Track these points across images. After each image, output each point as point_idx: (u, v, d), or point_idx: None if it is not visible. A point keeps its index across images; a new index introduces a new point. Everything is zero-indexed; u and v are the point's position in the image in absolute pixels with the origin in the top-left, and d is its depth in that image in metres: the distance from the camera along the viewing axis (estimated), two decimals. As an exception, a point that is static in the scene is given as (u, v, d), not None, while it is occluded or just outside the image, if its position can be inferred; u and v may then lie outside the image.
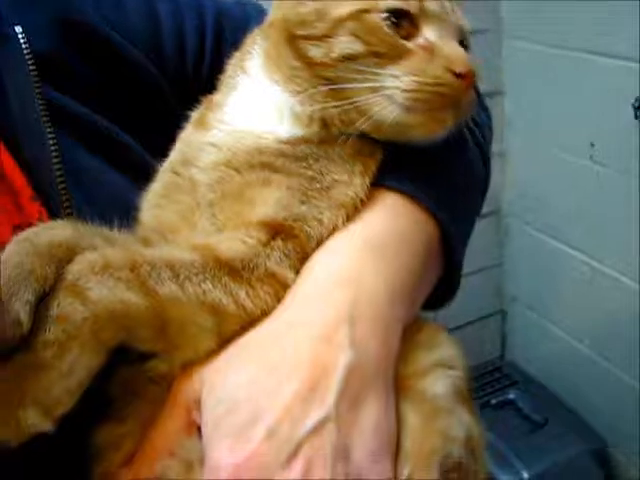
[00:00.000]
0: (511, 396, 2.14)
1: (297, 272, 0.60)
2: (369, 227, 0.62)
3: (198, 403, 0.55)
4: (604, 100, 1.76)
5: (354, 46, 0.61)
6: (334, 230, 0.61)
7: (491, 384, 2.18)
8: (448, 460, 0.57)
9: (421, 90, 0.59)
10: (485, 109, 0.83)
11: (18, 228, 0.62)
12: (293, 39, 0.64)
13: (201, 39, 0.81)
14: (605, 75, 1.73)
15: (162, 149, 0.71)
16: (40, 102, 0.69)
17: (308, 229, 0.60)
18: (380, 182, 0.65)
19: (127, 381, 0.59)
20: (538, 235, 2.11)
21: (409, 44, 0.61)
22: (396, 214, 0.64)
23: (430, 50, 0.61)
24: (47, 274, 0.54)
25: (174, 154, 0.70)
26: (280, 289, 0.58)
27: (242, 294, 0.57)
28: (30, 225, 0.61)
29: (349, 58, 0.61)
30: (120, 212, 0.66)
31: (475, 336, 2.34)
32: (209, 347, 0.57)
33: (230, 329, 0.57)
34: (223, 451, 0.52)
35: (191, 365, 0.57)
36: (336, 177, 0.62)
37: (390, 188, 0.65)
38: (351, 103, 0.61)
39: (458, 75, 0.59)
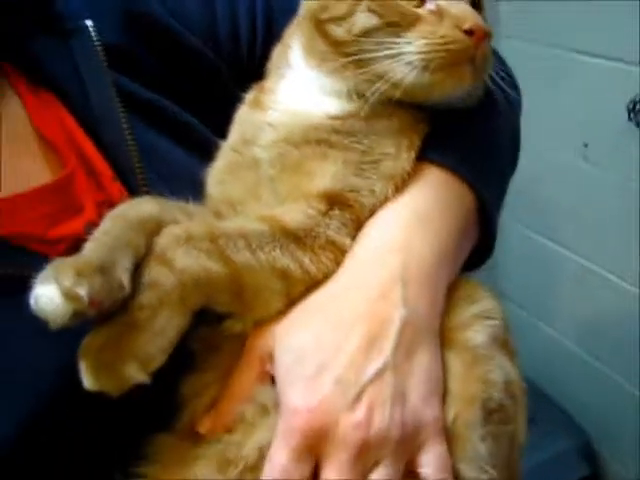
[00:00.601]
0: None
1: (353, 239, 0.66)
2: (415, 198, 0.69)
3: (270, 356, 0.63)
4: (598, 101, 1.75)
5: (371, 20, 0.66)
6: (385, 201, 0.68)
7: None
8: (489, 402, 0.64)
9: (433, 50, 0.64)
10: (515, 87, 0.88)
11: (102, 204, 0.71)
12: (320, 24, 0.70)
13: (252, 21, 0.86)
14: (600, 76, 1.73)
15: (223, 127, 0.77)
16: (114, 89, 0.75)
17: (362, 199, 0.67)
18: (424, 155, 0.70)
19: (207, 338, 0.66)
20: (530, 234, 2.13)
21: (420, 11, 0.66)
22: (439, 186, 0.70)
23: (439, 13, 0.66)
24: (140, 244, 0.61)
25: (234, 134, 0.76)
26: (339, 255, 0.65)
27: (306, 260, 0.64)
28: (112, 203, 0.68)
29: (368, 32, 0.67)
30: (189, 187, 0.73)
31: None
32: (279, 308, 0.64)
33: (297, 291, 0.64)
34: (296, 396, 0.59)
35: (263, 323, 0.65)
36: (385, 151, 0.68)
37: (433, 162, 0.71)
38: (375, 72, 0.66)
39: (467, 32, 0.64)
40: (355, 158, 0.67)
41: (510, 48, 2.02)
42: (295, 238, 0.64)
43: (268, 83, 0.76)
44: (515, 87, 0.88)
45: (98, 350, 0.57)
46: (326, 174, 0.67)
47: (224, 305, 0.63)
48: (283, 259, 0.63)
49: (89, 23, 0.76)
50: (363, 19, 0.67)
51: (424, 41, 0.64)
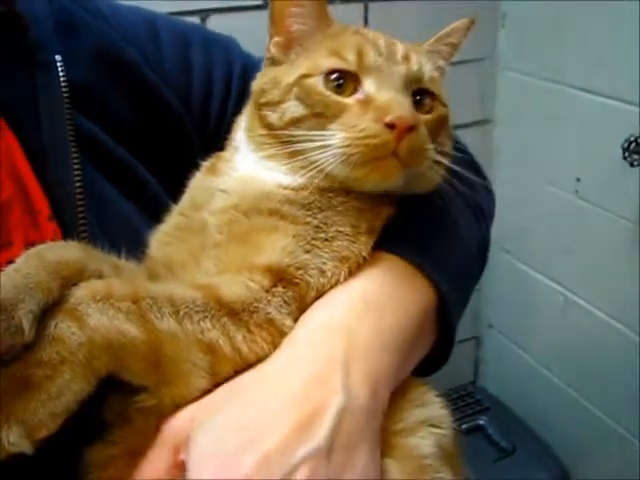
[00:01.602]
0: (481, 422, 2.15)
1: (294, 320, 0.61)
2: (369, 285, 0.64)
3: (186, 443, 0.55)
4: (593, 137, 1.77)
5: (299, 109, 0.66)
6: (336, 283, 0.63)
7: (462, 409, 2.19)
8: None
9: (354, 144, 0.62)
10: (478, 171, 0.85)
11: (33, 244, 0.63)
12: (259, 108, 0.70)
13: (227, 90, 0.85)
14: (596, 113, 1.74)
15: (178, 191, 0.73)
16: (69, 127, 0.71)
17: (309, 278, 0.62)
18: (385, 244, 0.67)
19: (118, 408, 0.60)
20: (517, 264, 2.14)
21: (347, 100, 0.65)
22: (396, 276, 0.66)
23: (366, 103, 0.64)
24: (52, 288, 0.55)
25: (185, 199, 0.73)
26: (277, 336, 0.60)
27: (239, 337, 0.58)
28: (44, 242, 0.62)
29: (298, 121, 0.66)
30: (130, 241, 0.68)
31: (448, 360, 2.34)
32: (201, 386, 0.57)
33: (224, 371, 0.58)
34: (209, 473, 0.52)
35: (182, 405, 0.58)
36: (340, 229, 0.64)
37: (392, 251, 0.67)
38: (306, 161, 0.64)
39: (389, 125, 0.61)
40: (307, 233, 0.63)
41: (507, 80, 2.05)
42: (230, 311, 0.58)
43: (226, 153, 0.74)
44: (478, 171, 0.85)
45: None
46: (275, 247, 0.62)
47: (137, 375, 0.56)
48: (212, 331, 0.57)
49: (58, 58, 0.74)
50: (293, 108, 0.67)
51: (344, 134, 0.63)
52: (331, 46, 0.68)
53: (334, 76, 0.66)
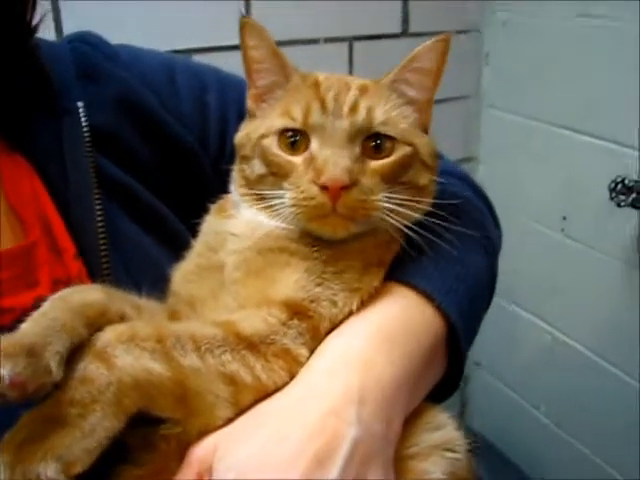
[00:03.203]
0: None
1: (309, 350, 0.64)
2: (381, 316, 0.67)
3: (210, 470, 0.59)
4: (579, 176, 1.78)
5: (261, 167, 0.70)
6: (349, 314, 0.66)
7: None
8: None
9: (298, 205, 0.66)
10: (495, 219, 0.90)
11: (59, 282, 0.69)
12: (240, 161, 0.74)
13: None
14: (582, 152, 1.75)
15: (197, 224, 0.77)
16: (92, 170, 0.76)
17: (321, 310, 0.65)
18: (396, 274, 0.70)
19: (144, 434, 0.62)
20: (503, 302, 2.12)
21: (296, 159, 0.68)
22: (408, 306, 0.69)
23: (310, 161, 0.67)
24: (78, 328, 0.58)
25: (200, 241, 0.76)
26: (293, 365, 0.63)
27: (258, 367, 0.61)
28: (70, 282, 0.67)
29: (261, 177, 0.70)
30: (152, 276, 0.73)
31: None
32: (225, 416, 0.60)
33: (245, 400, 0.61)
34: None
35: (205, 432, 0.61)
36: (350, 262, 0.67)
37: (403, 282, 0.70)
38: (275, 213, 0.68)
39: (322, 187, 0.64)
40: (316, 267, 0.67)
41: (493, 117, 2.05)
42: (249, 344, 0.61)
43: (231, 196, 0.77)
44: (495, 218, 0.90)
45: (19, 444, 0.53)
46: (288, 281, 0.66)
47: (165, 409, 0.60)
48: (233, 363, 0.60)
49: (80, 104, 0.78)
50: (257, 165, 0.71)
51: (290, 194, 0.66)
52: (284, 104, 0.71)
53: (289, 134, 0.69)
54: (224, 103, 0.90)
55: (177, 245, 0.77)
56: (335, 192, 0.64)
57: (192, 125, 0.87)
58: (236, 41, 0.72)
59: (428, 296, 0.69)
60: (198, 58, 1.50)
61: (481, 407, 2.35)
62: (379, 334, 0.65)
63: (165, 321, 0.68)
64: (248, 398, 0.61)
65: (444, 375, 0.73)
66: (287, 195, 0.66)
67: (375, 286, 0.68)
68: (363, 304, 0.67)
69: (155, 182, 0.82)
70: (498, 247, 0.87)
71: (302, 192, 0.65)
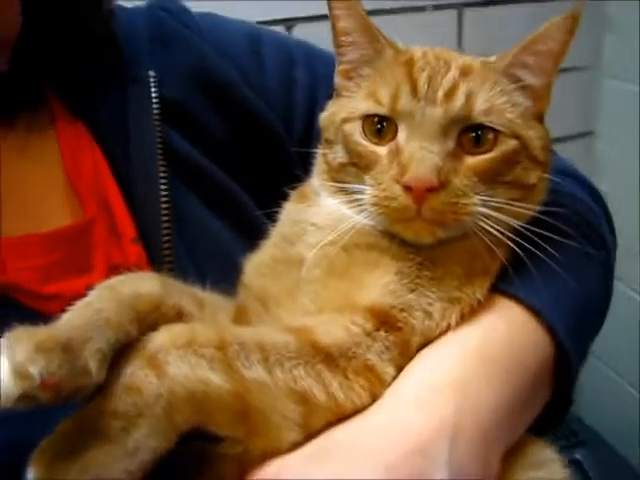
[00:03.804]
0: (577, 456, 2.00)
1: (397, 368, 0.55)
2: (484, 334, 0.58)
3: None
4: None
5: (343, 155, 0.62)
6: (446, 329, 0.57)
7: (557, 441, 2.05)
8: None
9: (379, 204, 0.58)
10: (611, 226, 0.78)
11: (115, 268, 0.62)
12: (323, 144, 0.65)
13: None
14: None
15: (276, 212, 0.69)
16: (159, 145, 0.69)
17: (413, 321, 0.56)
18: (502, 287, 0.60)
19: (200, 452, 0.55)
20: (622, 288, 1.99)
21: (380, 149, 0.59)
22: (514, 325, 0.59)
23: (395, 154, 0.58)
24: (125, 325, 0.52)
25: (276, 231, 0.68)
26: (377, 384, 0.54)
27: (335, 384, 0.53)
28: (127, 268, 0.60)
29: (343, 166, 0.62)
30: (221, 266, 0.65)
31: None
32: (291, 439, 0.52)
33: (317, 422, 0.53)
34: None
35: (270, 455, 0.52)
36: (450, 268, 0.58)
37: (512, 296, 0.60)
38: (359, 209, 0.60)
39: (405, 187, 0.55)
40: (410, 270, 0.58)
41: (613, 89, 1.92)
42: (326, 356, 0.53)
43: (313, 182, 0.69)
44: (612, 231, 0.78)
45: (52, 458, 0.47)
46: (377, 285, 0.57)
47: (223, 426, 0.52)
48: (306, 380, 0.52)
49: (151, 73, 0.72)
50: (340, 152, 0.63)
51: (371, 191, 0.59)
52: (371, 84, 0.63)
53: (375, 119, 0.60)
54: (313, 80, 0.82)
55: (252, 233, 0.68)
56: (420, 194, 0.55)
57: (276, 102, 0.79)
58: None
59: (537, 312, 0.59)
60: (297, 29, 1.46)
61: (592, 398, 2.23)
62: (480, 357, 0.56)
63: (229, 321, 0.60)
64: (320, 421, 0.52)
65: (547, 405, 0.62)
66: (368, 192, 0.58)
67: (478, 298, 0.58)
68: (463, 318, 0.57)
69: (230, 162, 0.75)
70: (614, 261, 0.76)
71: (384, 190, 0.57)
